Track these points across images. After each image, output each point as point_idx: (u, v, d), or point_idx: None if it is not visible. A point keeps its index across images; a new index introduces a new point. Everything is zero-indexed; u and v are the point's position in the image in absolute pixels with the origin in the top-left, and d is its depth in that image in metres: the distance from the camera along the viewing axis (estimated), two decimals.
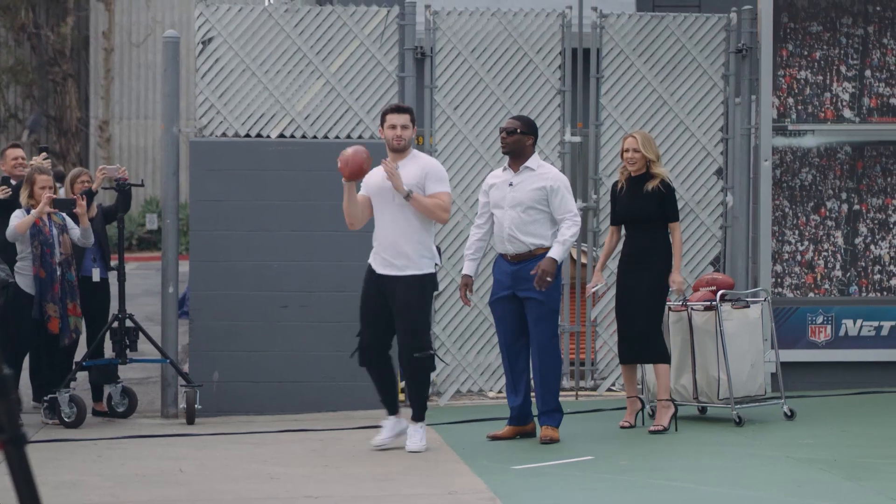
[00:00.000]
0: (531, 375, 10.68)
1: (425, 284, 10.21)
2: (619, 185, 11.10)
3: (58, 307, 11.67)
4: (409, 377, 10.33)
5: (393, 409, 10.42)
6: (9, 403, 2.95)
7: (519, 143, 10.58)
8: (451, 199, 10.36)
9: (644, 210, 10.94)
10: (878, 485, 8.89)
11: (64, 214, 11.90)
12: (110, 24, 35.50)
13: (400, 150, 10.24)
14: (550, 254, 10.36)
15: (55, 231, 11.73)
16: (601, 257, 11.41)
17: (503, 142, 10.65)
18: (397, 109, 10.37)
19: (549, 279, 10.32)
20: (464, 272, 10.76)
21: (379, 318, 10.24)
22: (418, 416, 10.32)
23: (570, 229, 10.42)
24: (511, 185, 10.54)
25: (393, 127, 10.22)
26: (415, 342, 10.11)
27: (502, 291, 10.56)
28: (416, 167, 10.20)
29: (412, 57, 12.73)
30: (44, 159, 12.74)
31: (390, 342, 10.33)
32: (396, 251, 10.15)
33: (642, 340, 10.89)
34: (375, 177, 10.26)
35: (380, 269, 10.21)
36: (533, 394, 10.75)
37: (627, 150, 11.01)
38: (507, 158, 10.67)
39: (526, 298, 10.48)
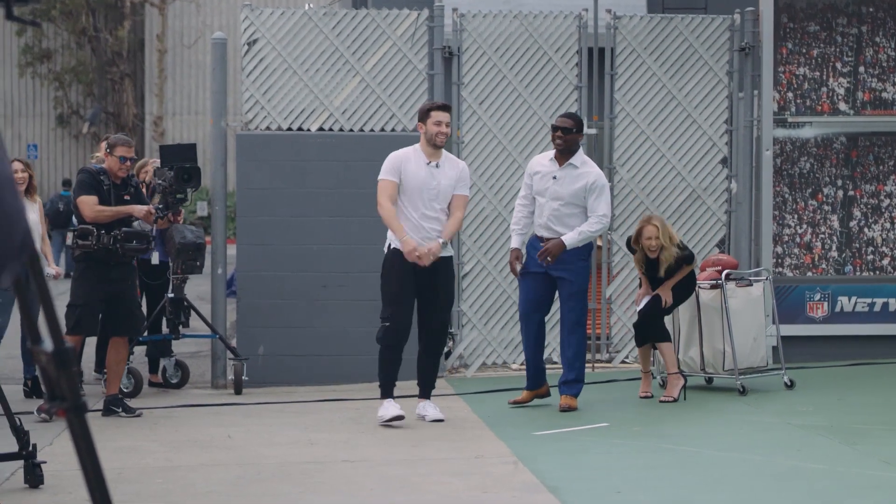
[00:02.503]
0: (543, 345, 10.75)
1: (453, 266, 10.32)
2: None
3: None
4: (435, 353, 10.29)
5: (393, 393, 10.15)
6: (70, 375, 2.94)
7: (573, 141, 10.54)
8: (467, 201, 10.46)
9: (662, 276, 10.96)
10: (872, 448, 8.86)
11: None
12: (163, 28, 35.54)
13: (441, 147, 10.12)
14: (564, 238, 10.32)
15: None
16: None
17: (560, 139, 10.49)
18: (443, 107, 10.23)
19: (549, 258, 10.30)
20: (513, 246, 10.63)
21: (411, 297, 10.11)
22: (429, 394, 10.26)
23: (593, 225, 10.40)
24: (555, 178, 10.47)
25: (438, 123, 10.05)
26: (449, 319, 10.22)
27: (536, 268, 10.49)
28: (454, 169, 10.16)
29: (441, 56, 12.69)
30: None
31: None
32: (434, 237, 10.00)
33: (643, 323, 10.95)
34: (417, 173, 10.02)
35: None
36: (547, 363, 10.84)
37: (649, 238, 10.87)
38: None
39: (559, 278, 10.46)
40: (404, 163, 10.06)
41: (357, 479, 8.18)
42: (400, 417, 9.94)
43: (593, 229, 10.43)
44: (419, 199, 10.02)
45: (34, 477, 7.92)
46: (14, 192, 2.35)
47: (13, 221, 2.34)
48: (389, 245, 10.11)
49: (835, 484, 7.86)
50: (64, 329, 10.63)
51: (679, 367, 11.00)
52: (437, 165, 10.07)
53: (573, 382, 10.54)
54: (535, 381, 10.72)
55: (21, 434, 7.92)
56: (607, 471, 8.34)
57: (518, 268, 10.57)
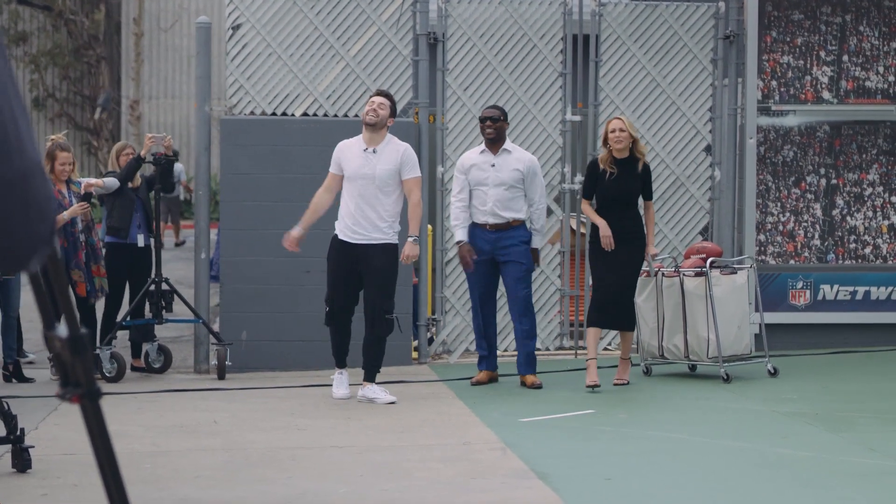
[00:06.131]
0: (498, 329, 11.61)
1: (394, 252, 10.56)
2: (604, 169, 10.84)
3: (83, 272, 11.62)
4: (375, 337, 10.56)
5: (344, 363, 10.78)
6: (85, 361, 2.93)
7: (502, 129, 11.10)
8: (420, 181, 10.72)
9: (635, 191, 10.94)
10: (857, 436, 8.90)
11: (81, 181, 11.90)
12: (140, 11, 35.37)
13: (371, 125, 10.45)
14: (535, 245, 11.08)
15: (74, 201, 11.66)
16: (598, 218, 10.88)
17: (490, 129, 11.03)
18: (379, 93, 10.69)
19: (537, 265, 11.21)
20: (462, 239, 11.11)
21: (345, 282, 10.58)
22: (374, 377, 10.65)
23: (542, 216, 11.14)
24: (493, 165, 11.01)
25: (371, 103, 10.51)
26: (386, 304, 10.50)
27: (481, 256, 11.03)
28: (395, 153, 10.50)
29: (425, 42, 12.67)
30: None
31: (355, 305, 10.69)
32: (371, 224, 10.45)
33: (626, 310, 10.97)
34: (352, 160, 10.49)
35: (352, 239, 10.47)
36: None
37: (614, 131, 10.86)
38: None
39: (506, 262, 11.03)
40: (343, 152, 10.56)
41: (346, 465, 8.18)
42: (344, 398, 10.59)
43: (544, 219, 11.25)
44: (355, 186, 10.44)
45: (22, 461, 7.89)
46: (44, 178, 2.35)
47: (44, 207, 2.34)
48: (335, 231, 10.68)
49: (822, 471, 7.89)
50: None
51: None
52: (374, 151, 10.48)
53: (534, 360, 11.15)
54: (492, 362, 11.26)
55: (9, 418, 7.89)
56: (595, 457, 8.36)
57: (472, 259, 11.05)
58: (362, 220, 10.42)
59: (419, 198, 10.60)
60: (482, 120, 11.13)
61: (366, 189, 10.40)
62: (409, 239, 10.56)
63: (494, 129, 11.00)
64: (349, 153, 10.52)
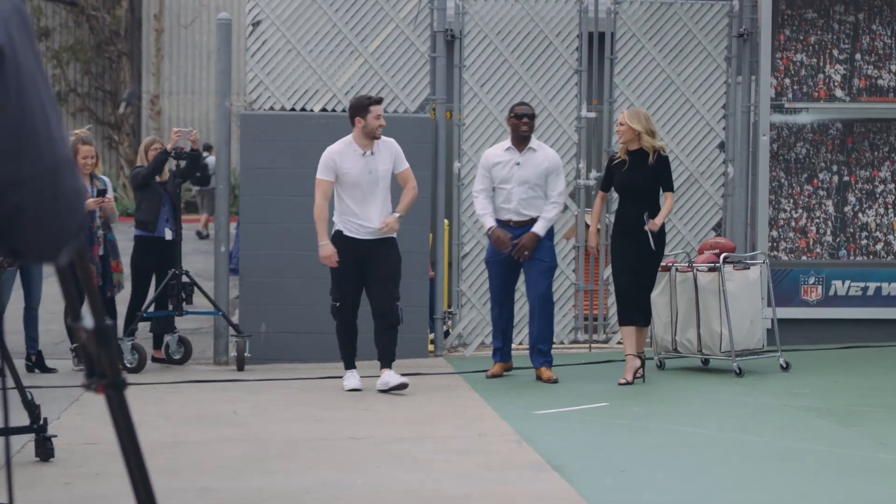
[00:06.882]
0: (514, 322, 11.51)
1: (396, 244, 10.65)
2: (620, 159, 10.92)
3: (97, 266, 11.63)
4: (388, 327, 10.56)
5: (353, 364, 10.77)
6: (110, 352, 2.96)
7: (534, 127, 11.07)
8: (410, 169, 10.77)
9: (644, 182, 10.86)
10: (869, 430, 8.90)
11: (106, 179, 11.94)
12: (161, 7, 35.42)
13: (378, 138, 10.53)
14: (535, 229, 10.82)
15: (95, 195, 11.67)
16: (594, 221, 11.31)
17: (526, 126, 10.94)
18: (379, 101, 10.67)
19: (526, 252, 10.79)
20: (492, 224, 10.94)
21: (353, 277, 10.56)
22: (391, 365, 10.64)
23: (554, 209, 10.94)
24: (518, 164, 10.91)
25: (378, 117, 10.46)
26: (395, 293, 10.56)
27: (503, 253, 10.89)
28: (388, 152, 10.56)
29: (443, 39, 12.68)
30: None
31: (360, 298, 10.70)
32: (374, 221, 10.47)
33: (639, 306, 10.90)
34: (353, 166, 10.45)
35: (360, 235, 10.48)
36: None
37: (616, 124, 11.05)
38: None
39: (531, 258, 10.88)
40: (339, 159, 10.49)
41: (364, 456, 8.19)
42: (356, 390, 10.55)
43: (555, 213, 11.00)
44: (358, 190, 10.48)
45: (45, 450, 7.92)
46: (73, 172, 2.37)
47: (73, 201, 2.36)
48: (335, 227, 10.61)
49: (833, 465, 7.89)
50: None
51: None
52: (371, 153, 10.52)
53: (549, 353, 11.04)
54: (506, 354, 11.21)
55: (31, 408, 7.92)
56: (610, 450, 8.37)
57: (509, 238, 10.92)
58: (366, 217, 10.47)
59: (415, 183, 10.73)
60: (519, 117, 10.97)
61: (369, 190, 10.47)
62: (395, 214, 10.55)
63: (530, 127, 10.97)
64: (346, 159, 10.50)
